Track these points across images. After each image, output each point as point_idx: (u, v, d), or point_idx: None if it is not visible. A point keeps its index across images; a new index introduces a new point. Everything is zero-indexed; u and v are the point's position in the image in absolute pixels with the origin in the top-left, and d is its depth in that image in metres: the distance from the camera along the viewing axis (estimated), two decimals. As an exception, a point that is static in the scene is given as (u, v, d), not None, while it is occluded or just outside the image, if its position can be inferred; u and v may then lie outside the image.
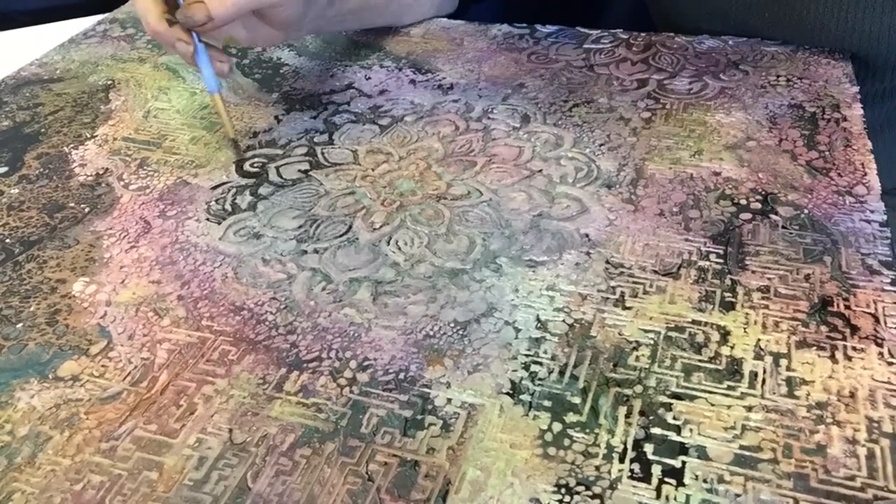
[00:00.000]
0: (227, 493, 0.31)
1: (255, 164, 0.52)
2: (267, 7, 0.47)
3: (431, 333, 0.38)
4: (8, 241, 0.46)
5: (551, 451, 0.32)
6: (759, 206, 0.44)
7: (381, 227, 0.45)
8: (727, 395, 0.33)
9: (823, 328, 0.36)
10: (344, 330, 0.38)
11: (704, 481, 0.30)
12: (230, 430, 0.34)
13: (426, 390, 0.35)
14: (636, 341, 0.36)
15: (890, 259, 0.39)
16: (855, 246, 0.40)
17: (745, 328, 0.36)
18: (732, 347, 0.36)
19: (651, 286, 0.39)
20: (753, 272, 0.40)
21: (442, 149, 0.52)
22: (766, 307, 0.37)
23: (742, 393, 0.33)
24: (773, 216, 0.43)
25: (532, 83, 0.58)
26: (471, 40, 0.66)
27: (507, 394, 0.34)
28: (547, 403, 0.34)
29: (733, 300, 0.38)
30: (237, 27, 0.48)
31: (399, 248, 0.43)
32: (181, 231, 0.46)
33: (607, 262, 0.41)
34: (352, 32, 0.69)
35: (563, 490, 0.30)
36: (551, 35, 0.65)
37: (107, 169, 0.53)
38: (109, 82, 0.64)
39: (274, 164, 0.52)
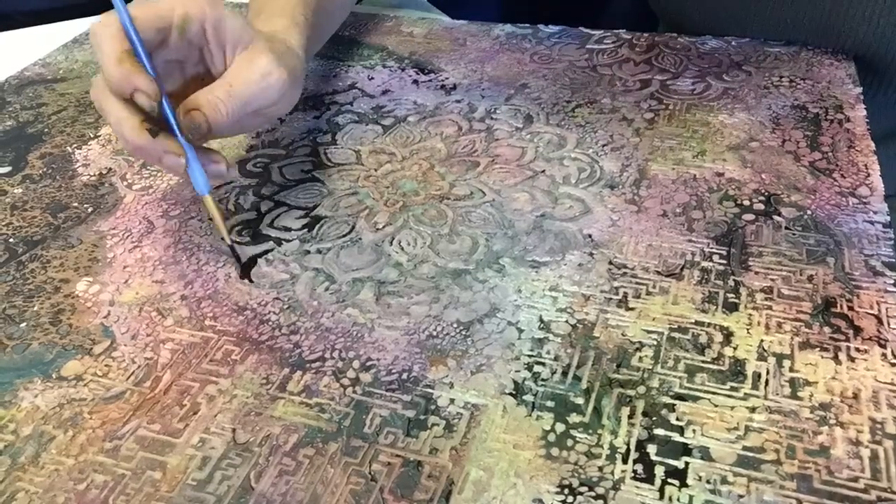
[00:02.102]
0: (231, 493, 0.31)
1: (258, 165, 0.52)
2: (262, 108, 0.43)
3: (434, 334, 0.38)
4: (11, 240, 0.47)
5: (554, 451, 0.32)
6: (762, 206, 0.44)
7: (384, 227, 0.45)
8: (730, 396, 0.33)
9: (826, 329, 0.36)
10: (347, 330, 0.38)
11: (708, 482, 0.30)
12: (233, 430, 0.34)
13: (429, 390, 0.35)
14: (639, 342, 0.36)
15: (893, 260, 0.39)
16: (858, 247, 0.40)
17: (748, 329, 0.36)
18: (735, 348, 0.36)
19: (654, 287, 0.39)
20: (756, 273, 0.40)
21: (445, 149, 0.52)
22: (770, 308, 0.37)
23: (745, 394, 0.33)
24: (776, 217, 0.43)
25: (535, 83, 0.58)
26: (473, 40, 0.66)
27: (510, 394, 0.34)
28: (550, 404, 0.34)
29: (736, 301, 0.38)
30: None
31: (402, 249, 0.43)
32: (184, 231, 0.46)
33: (610, 262, 0.41)
34: (355, 32, 0.69)
35: (566, 490, 0.30)
36: (554, 35, 0.65)
37: (110, 169, 0.53)
38: (112, 82, 0.64)
39: (277, 164, 0.52)
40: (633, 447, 0.32)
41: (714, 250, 0.41)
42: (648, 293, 0.39)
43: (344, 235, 0.45)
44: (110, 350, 0.38)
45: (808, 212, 0.43)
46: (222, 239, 0.43)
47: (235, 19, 0.41)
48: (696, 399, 0.33)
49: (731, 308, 0.38)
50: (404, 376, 0.36)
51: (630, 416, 0.33)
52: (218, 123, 0.39)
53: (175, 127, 0.40)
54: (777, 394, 0.33)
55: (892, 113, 0.59)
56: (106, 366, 0.38)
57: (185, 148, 0.40)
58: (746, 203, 0.44)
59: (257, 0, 0.52)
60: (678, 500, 0.30)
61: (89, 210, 0.49)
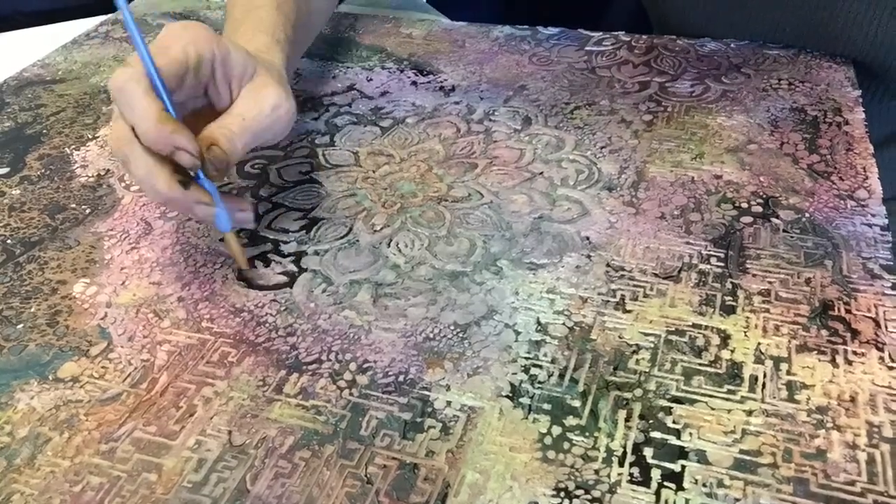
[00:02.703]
0: (226, 496, 0.31)
1: (256, 166, 0.52)
2: (270, 139, 0.43)
3: (431, 336, 0.38)
4: (9, 241, 0.47)
5: (551, 454, 0.32)
6: (760, 209, 0.44)
7: (381, 228, 0.45)
8: (727, 399, 0.33)
9: (824, 332, 0.36)
10: (344, 332, 0.38)
11: (704, 485, 0.30)
12: (229, 433, 0.34)
13: (426, 393, 0.35)
14: (636, 345, 0.36)
15: (891, 263, 0.39)
16: (856, 250, 0.40)
17: (745, 332, 0.36)
18: (733, 351, 0.36)
19: (651, 289, 0.39)
20: (754, 276, 0.39)
21: (443, 151, 0.52)
22: (767, 311, 0.37)
23: (742, 397, 0.33)
24: (774, 220, 0.43)
25: (533, 85, 0.58)
26: (472, 42, 0.66)
27: (507, 397, 0.34)
28: (546, 407, 0.34)
29: (734, 304, 0.38)
30: None
31: (399, 251, 0.43)
32: (182, 232, 0.46)
33: (608, 264, 0.41)
34: (353, 34, 0.69)
35: (562, 493, 0.30)
36: (553, 37, 0.65)
37: (108, 170, 0.53)
38: (111, 83, 0.64)
39: (275, 165, 0.52)
40: (629, 450, 0.32)
41: (712, 253, 0.41)
42: (646, 295, 0.39)
43: (342, 237, 0.45)
44: (107, 352, 0.38)
45: (807, 214, 0.43)
46: (240, 270, 0.43)
47: (238, 52, 0.41)
48: (692, 402, 0.33)
49: (729, 311, 0.38)
50: (401, 378, 0.36)
51: (627, 419, 0.33)
52: (234, 157, 0.39)
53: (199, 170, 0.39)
54: (774, 397, 0.33)
55: (889, 119, 0.59)
56: (102, 367, 0.37)
57: (211, 191, 0.39)
58: (744, 205, 0.44)
59: (236, 9, 0.50)
60: (674, 503, 0.30)
61: (87, 211, 0.49)
